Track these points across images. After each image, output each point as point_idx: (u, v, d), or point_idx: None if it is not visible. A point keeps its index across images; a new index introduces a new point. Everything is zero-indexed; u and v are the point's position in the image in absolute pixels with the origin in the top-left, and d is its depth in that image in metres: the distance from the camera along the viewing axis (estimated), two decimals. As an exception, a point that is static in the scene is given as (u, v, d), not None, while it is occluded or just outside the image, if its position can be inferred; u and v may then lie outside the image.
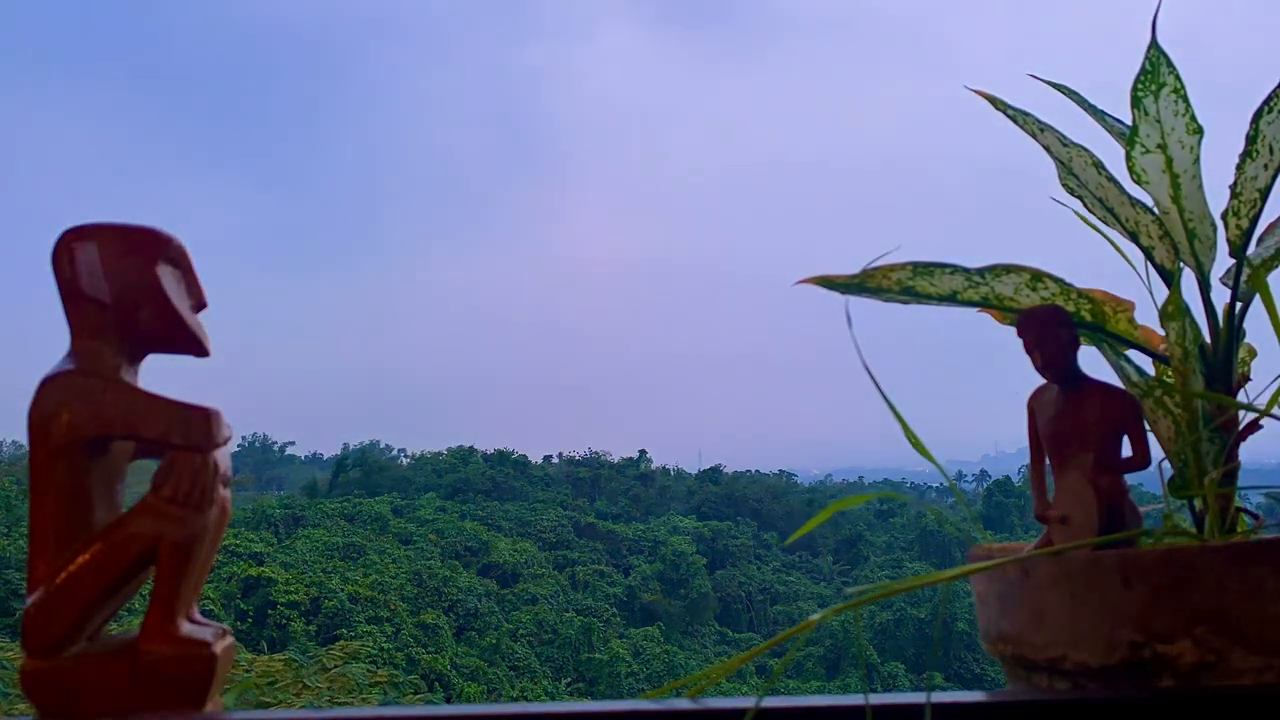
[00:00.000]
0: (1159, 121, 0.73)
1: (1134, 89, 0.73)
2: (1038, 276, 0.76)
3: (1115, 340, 0.77)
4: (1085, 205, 0.79)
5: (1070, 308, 0.76)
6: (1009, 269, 0.76)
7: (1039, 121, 0.77)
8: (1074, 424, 0.69)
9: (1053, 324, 0.69)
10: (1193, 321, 0.73)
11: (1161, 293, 0.74)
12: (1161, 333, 0.75)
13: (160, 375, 0.69)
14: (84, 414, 0.63)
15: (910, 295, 0.76)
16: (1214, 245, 0.74)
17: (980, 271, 0.76)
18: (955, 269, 0.75)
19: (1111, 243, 0.79)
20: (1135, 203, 0.76)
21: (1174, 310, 0.72)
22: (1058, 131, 0.77)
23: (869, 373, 0.68)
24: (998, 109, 0.78)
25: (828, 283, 0.76)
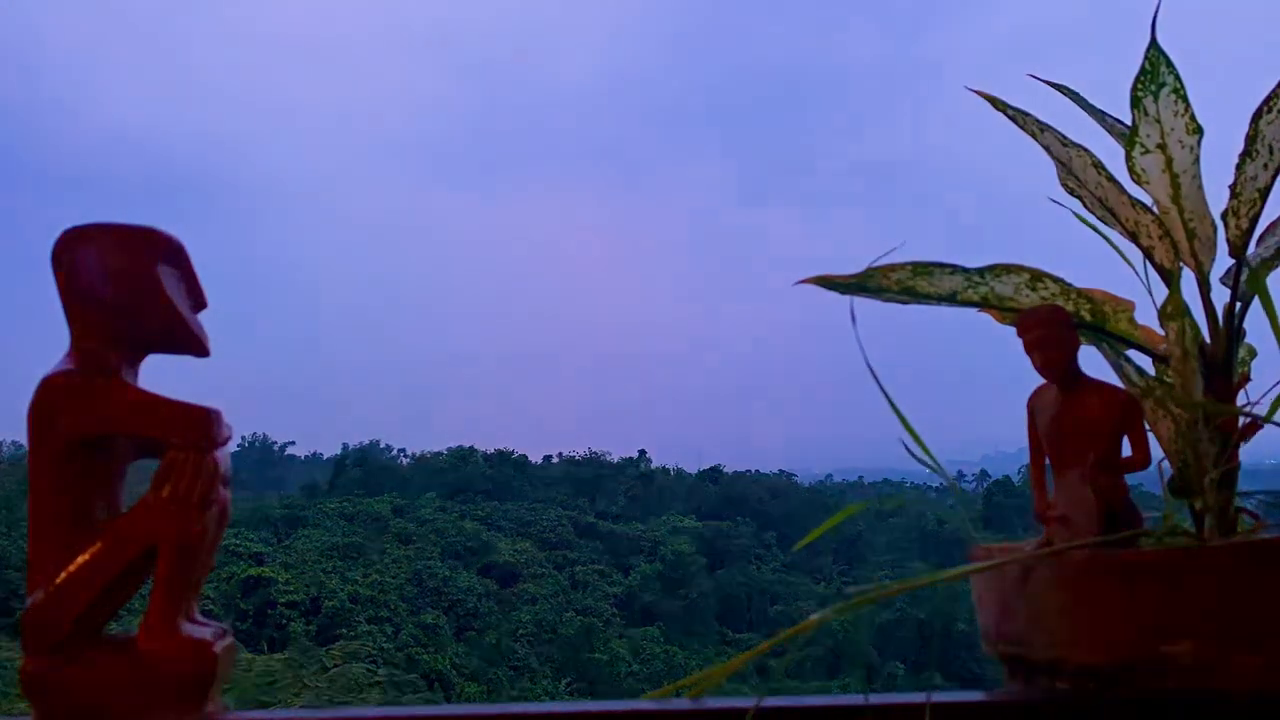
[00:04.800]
0: (1159, 121, 0.73)
1: (1133, 89, 0.73)
2: (1037, 276, 0.76)
3: (1115, 340, 0.77)
4: (1085, 205, 0.79)
5: (1070, 308, 0.76)
6: (1008, 269, 0.76)
7: (1039, 121, 0.77)
8: (1074, 424, 0.69)
9: (1053, 324, 0.69)
10: (1193, 321, 0.73)
11: (1161, 293, 0.74)
12: (1162, 333, 0.75)
13: (160, 375, 0.69)
14: (84, 414, 0.63)
15: (910, 295, 0.76)
16: (1214, 245, 0.74)
17: (980, 271, 0.76)
18: (955, 269, 0.75)
19: (1111, 243, 0.79)
20: (1135, 202, 0.76)
21: (1173, 310, 0.72)
22: (1057, 131, 0.77)
23: (872, 372, 0.68)
24: (997, 109, 0.78)
25: (828, 283, 0.76)
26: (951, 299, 0.77)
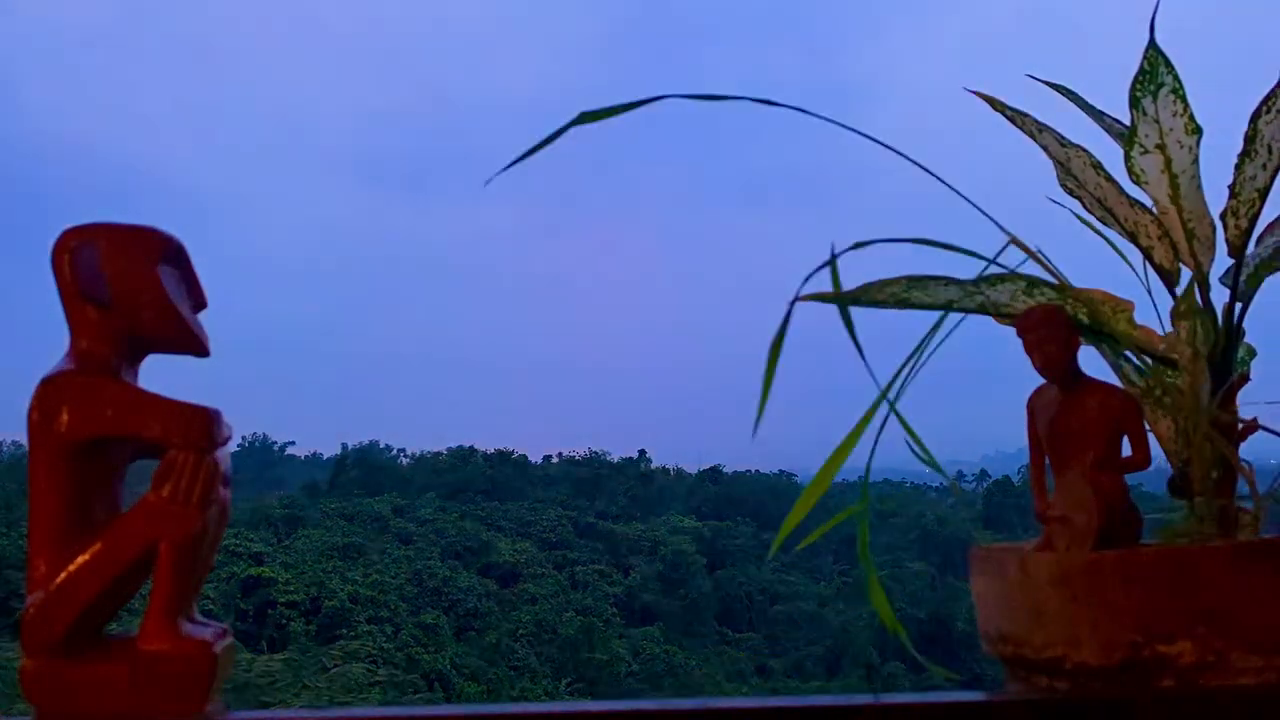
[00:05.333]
0: (1157, 121, 0.73)
1: (1132, 89, 0.73)
2: (1033, 283, 0.75)
3: (1115, 341, 0.77)
4: (1084, 205, 0.79)
5: (1069, 309, 0.76)
6: (1003, 277, 0.76)
7: (1037, 122, 0.77)
8: (1074, 424, 0.69)
9: (1053, 324, 0.69)
10: (1203, 321, 0.73)
11: (1160, 293, 0.74)
12: (1161, 333, 0.75)
13: (160, 375, 0.69)
14: (84, 414, 0.63)
15: (906, 306, 0.76)
16: (1213, 245, 0.74)
17: (975, 281, 0.75)
18: (950, 280, 0.75)
19: (1110, 243, 0.79)
20: (1134, 203, 0.76)
21: (1185, 310, 0.72)
22: (1056, 132, 0.77)
23: (871, 375, 0.68)
24: (996, 109, 0.78)
25: (824, 299, 0.76)
26: (947, 308, 0.77)
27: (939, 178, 0.75)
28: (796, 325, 0.66)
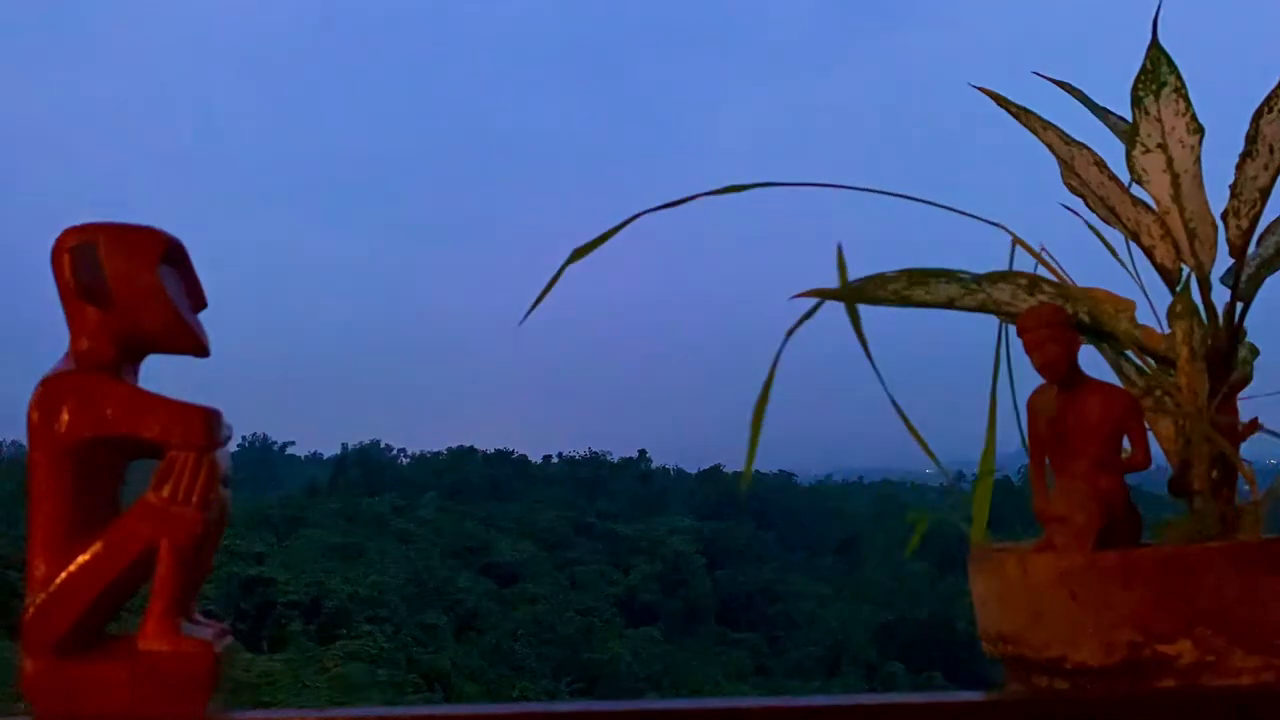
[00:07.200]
0: (1159, 120, 0.73)
1: (1134, 88, 0.73)
2: (1034, 282, 0.75)
3: (1115, 340, 0.77)
4: (1087, 204, 0.79)
5: (1070, 308, 0.76)
6: (1005, 275, 0.76)
7: (1041, 119, 0.77)
8: (1074, 424, 0.69)
9: (1053, 324, 0.69)
10: (1201, 321, 0.73)
11: (1161, 293, 0.74)
12: (1162, 333, 0.75)
13: (160, 375, 0.69)
14: (84, 414, 0.63)
15: (908, 304, 0.76)
16: (1214, 245, 0.74)
17: (976, 279, 0.75)
18: (951, 277, 0.75)
19: (1108, 244, 0.79)
20: (1136, 202, 0.76)
21: (1182, 309, 0.72)
22: (1060, 129, 0.77)
23: (876, 372, 0.68)
24: (1000, 106, 0.78)
25: (825, 295, 0.76)
26: (949, 306, 0.76)
27: (934, 203, 0.75)
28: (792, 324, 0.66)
